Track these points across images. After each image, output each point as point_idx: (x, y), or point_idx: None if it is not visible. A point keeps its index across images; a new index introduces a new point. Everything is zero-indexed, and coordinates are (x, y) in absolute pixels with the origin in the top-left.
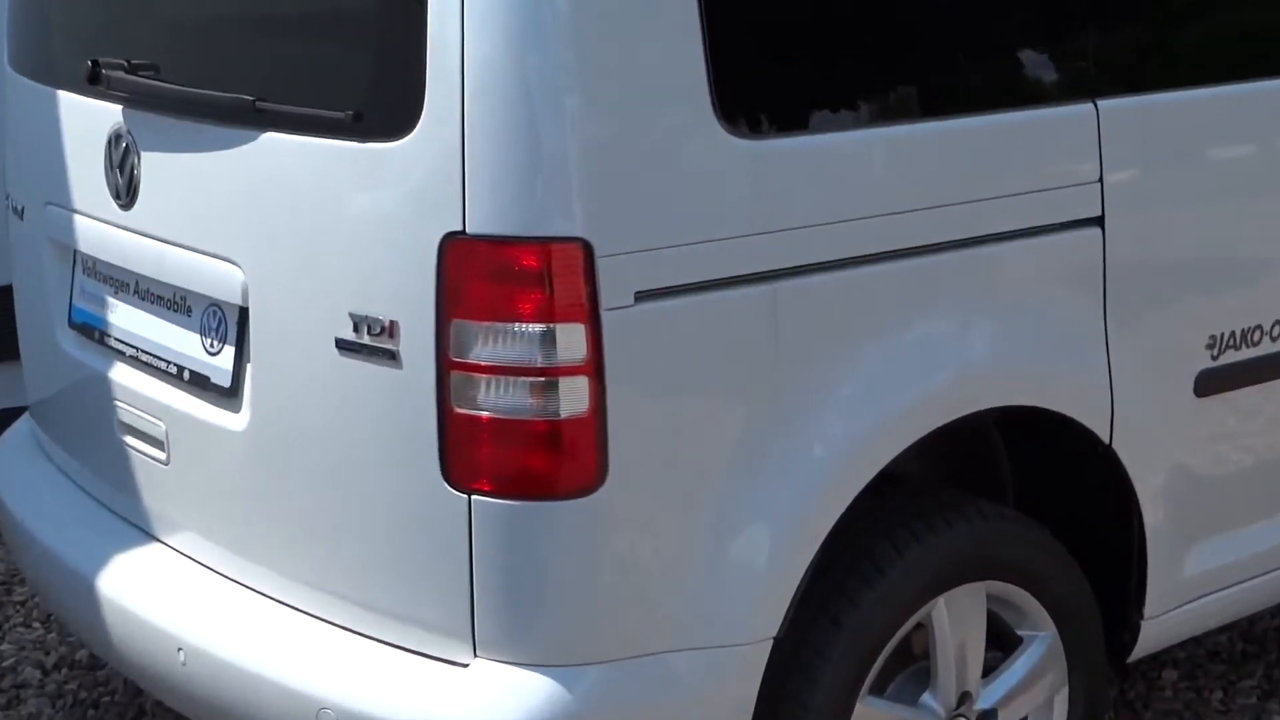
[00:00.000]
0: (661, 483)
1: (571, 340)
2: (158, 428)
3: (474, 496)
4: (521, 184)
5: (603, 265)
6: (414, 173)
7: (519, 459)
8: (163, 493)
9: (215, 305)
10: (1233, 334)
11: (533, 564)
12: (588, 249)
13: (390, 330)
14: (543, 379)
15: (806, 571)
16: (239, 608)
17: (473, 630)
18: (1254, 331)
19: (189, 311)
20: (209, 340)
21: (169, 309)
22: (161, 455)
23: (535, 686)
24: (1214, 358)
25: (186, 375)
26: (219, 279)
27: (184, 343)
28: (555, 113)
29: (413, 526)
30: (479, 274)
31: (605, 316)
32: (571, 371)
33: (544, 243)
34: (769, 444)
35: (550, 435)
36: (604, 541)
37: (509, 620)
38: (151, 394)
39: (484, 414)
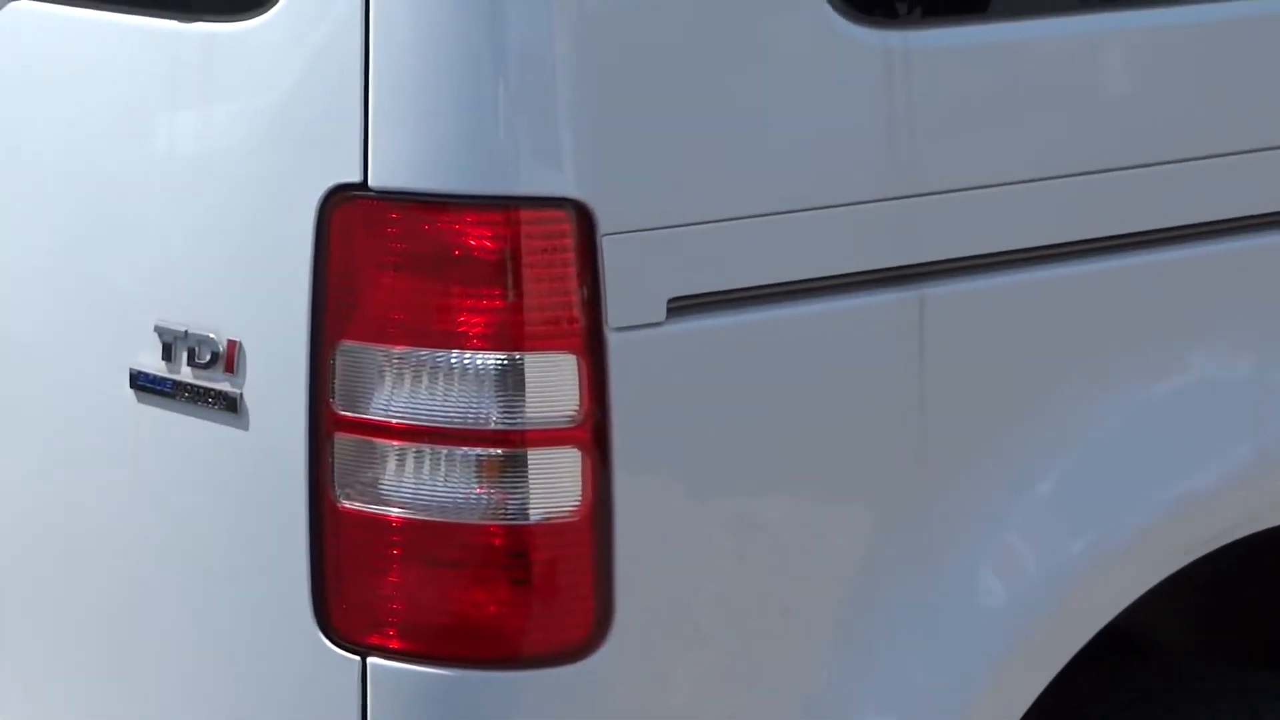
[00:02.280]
0: (706, 642)
1: (553, 383)
2: None
3: (373, 660)
4: (468, 104)
5: (611, 250)
6: (276, 79)
7: (455, 596)
8: None
9: None
10: None
11: None
12: (585, 220)
13: (227, 359)
14: (500, 452)
15: None
16: None
17: None
18: None
19: None
20: None
21: None
22: None
23: None
24: None
25: None
26: None
27: None
28: None
29: (264, 710)
30: (389, 261)
31: (614, 341)
32: (553, 439)
33: (507, 207)
34: (901, 575)
35: (512, 554)
36: None
37: None
38: None
39: (393, 513)
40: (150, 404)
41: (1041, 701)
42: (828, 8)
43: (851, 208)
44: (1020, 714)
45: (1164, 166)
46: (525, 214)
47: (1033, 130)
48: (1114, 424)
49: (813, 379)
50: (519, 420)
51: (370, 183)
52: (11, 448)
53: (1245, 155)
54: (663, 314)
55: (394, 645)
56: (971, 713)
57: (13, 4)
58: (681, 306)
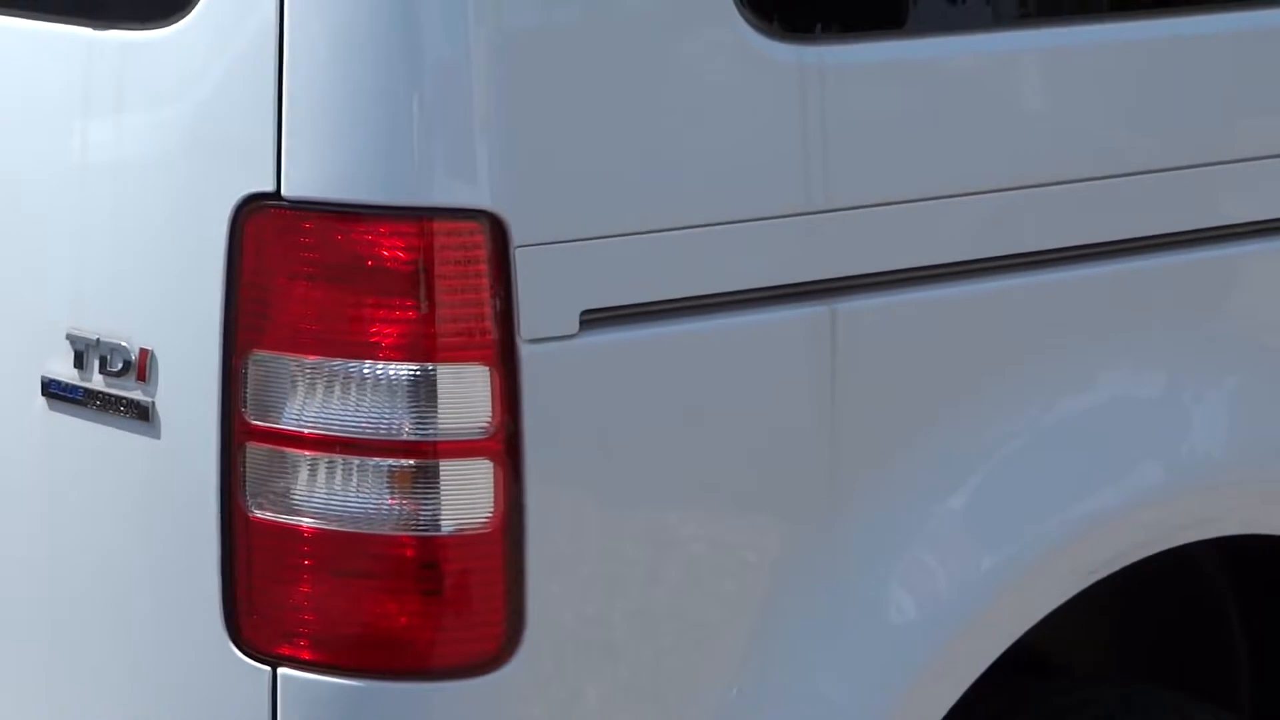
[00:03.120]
0: (617, 655)
1: (466, 394)
2: None
3: (283, 670)
4: (383, 114)
5: (524, 262)
6: (191, 87)
7: (366, 607)
8: None
9: None
10: None
11: None
12: (498, 232)
13: (139, 367)
14: (412, 464)
15: None
16: None
17: None
18: None
19: None
20: None
21: None
22: None
23: None
24: None
25: None
26: None
27: None
28: None
29: None
30: (302, 271)
31: (526, 353)
32: (464, 450)
33: (421, 218)
34: (813, 590)
35: (424, 565)
36: None
37: None
38: None
39: (304, 523)
40: (62, 412)
41: (949, 718)
42: (743, 23)
43: (765, 222)
44: None
45: (1078, 184)
46: (439, 225)
47: (946, 147)
48: (1026, 440)
49: (725, 393)
50: (431, 431)
51: (284, 192)
52: None
53: (1160, 174)
54: (575, 326)
55: (305, 656)
56: None
57: None
58: (594, 319)
